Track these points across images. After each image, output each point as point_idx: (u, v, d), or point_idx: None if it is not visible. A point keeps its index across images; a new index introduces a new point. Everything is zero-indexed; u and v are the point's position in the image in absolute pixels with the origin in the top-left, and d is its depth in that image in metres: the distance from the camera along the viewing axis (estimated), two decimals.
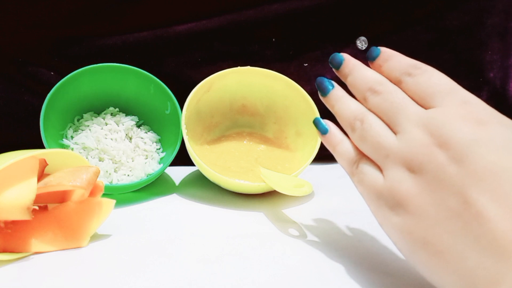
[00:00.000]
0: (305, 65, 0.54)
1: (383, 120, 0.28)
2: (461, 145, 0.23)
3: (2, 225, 0.32)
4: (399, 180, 0.25)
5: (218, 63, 0.51)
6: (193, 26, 0.52)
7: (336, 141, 0.30)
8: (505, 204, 0.21)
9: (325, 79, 0.32)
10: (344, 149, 0.30)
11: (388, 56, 0.29)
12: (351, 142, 0.30)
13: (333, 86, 0.32)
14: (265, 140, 0.51)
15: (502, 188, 0.21)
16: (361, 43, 0.53)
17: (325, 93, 0.32)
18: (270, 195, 0.45)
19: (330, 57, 0.32)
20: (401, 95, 0.27)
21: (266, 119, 0.52)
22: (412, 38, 0.55)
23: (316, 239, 0.35)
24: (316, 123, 0.32)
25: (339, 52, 0.32)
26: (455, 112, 0.24)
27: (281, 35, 0.54)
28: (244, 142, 0.51)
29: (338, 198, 0.44)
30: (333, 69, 0.32)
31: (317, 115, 0.45)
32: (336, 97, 0.31)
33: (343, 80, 0.31)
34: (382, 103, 0.28)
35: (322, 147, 0.39)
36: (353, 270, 0.30)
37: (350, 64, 0.31)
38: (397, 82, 0.28)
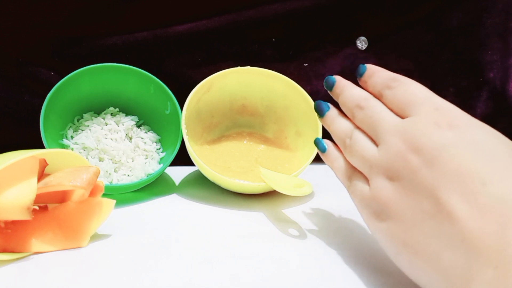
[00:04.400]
0: (305, 65, 0.54)
1: (368, 134, 0.29)
2: (432, 149, 0.24)
3: (2, 225, 0.32)
4: (381, 188, 0.27)
5: (218, 63, 0.51)
6: (193, 26, 0.52)
7: (333, 158, 0.33)
8: (474, 204, 0.22)
9: (322, 102, 0.34)
10: (340, 165, 0.32)
11: (372, 72, 0.31)
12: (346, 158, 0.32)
13: (328, 108, 0.34)
14: (265, 140, 0.51)
15: (470, 188, 0.22)
16: (361, 43, 0.53)
17: (322, 114, 0.34)
18: (270, 195, 0.45)
19: (324, 80, 0.34)
20: (380, 108, 0.29)
21: (266, 119, 0.52)
22: (412, 38, 0.55)
23: (316, 239, 0.35)
24: (316, 143, 0.35)
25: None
26: (428, 119, 0.26)
27: (281, 35, 0.54)
28: (244, 142, 0.51)
29: (338, 198, 0.44)
30: (328, 91, 0.34)
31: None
32: (331, 118, 0.33)
33: (336, 100, 0.33)
34: (365, 117, 0.30)
35: None
36: (353, 270, 0.30)
37: (340, 85, 0.33)
38: (379, 96, 0.30)
